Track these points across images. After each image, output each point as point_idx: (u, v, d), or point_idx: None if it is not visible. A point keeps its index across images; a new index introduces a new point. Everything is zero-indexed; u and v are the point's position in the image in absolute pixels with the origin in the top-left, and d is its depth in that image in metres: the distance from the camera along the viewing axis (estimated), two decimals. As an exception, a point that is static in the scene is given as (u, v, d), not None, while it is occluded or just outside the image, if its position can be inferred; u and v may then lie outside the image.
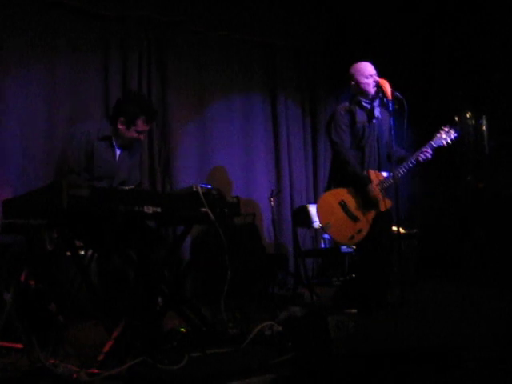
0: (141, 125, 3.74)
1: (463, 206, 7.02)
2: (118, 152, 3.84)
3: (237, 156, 6.15)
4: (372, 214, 4.07)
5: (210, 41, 6.10)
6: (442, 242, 6.75)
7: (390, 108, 4.01)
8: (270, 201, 5.67)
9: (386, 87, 4.03)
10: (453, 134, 4.23)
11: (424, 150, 4.13)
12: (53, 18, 5.23)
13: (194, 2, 5.88)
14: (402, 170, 4.10)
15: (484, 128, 6.92)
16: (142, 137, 3.83)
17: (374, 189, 4.07)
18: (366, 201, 4.09)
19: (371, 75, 4.17)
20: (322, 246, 6.23)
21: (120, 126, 3.74)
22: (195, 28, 5.98)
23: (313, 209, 5.26)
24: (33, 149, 5.05)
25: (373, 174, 4.13)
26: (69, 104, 5.26)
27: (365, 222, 4.05)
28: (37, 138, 5.08)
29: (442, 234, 6.88)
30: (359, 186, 4.10)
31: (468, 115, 7.07)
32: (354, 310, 3.83)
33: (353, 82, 4.23)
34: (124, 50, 5.54)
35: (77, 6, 5.30)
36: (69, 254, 3.59)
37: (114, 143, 3.80)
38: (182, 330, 3.29)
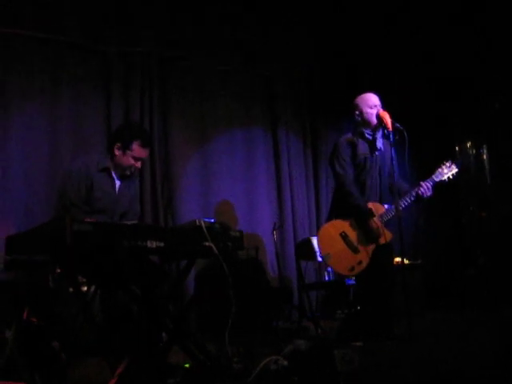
0: (137, 149, 3.75)
1: (467, 236, 7.02)
2: (117, 183, 3.85)
3: (239, 189, 6.16)
4: (372, 246, 4.07)
5: (211, 75, 6.17)
6: (446, 272, 6.72)
7: (391, 139, 4.04)
8: (273, 234, 5.66)
9: (387, 118, 4.07)
10: (454, 169, 4.25)
11: (425, 184, 4.14)
12: (55, 54, 5.30)
13: (194, 37, 5.96)
14: (403, 203, 4.11)
15: (485, 157, 6.95)
16: (138, 164, 3.82)
17: (376, 222, 4.07)
18: (367, 233, 4.09)
19: (375, 105, 4.21)
20: (326, 278, 6.19)
21: (116, 153, 3.76)
22: (195, 62, 6.05)
23: (316, 241, 5.24)
24: (36, 185, 5.06)
25: (372, 206, 4.13)
26: (71, 140, 5.28)
27: (365, 254, 4.05)
28: (40, 174, 5.10)
29: (446, 263, 6.85)
30: (361, 219, 4.10)
31: (468, 145, 7.11)
32: (359, 343, 3.79)
33: (357, 112, 4.28)
34: (125, 84, 5.60)
35: (78, 43, 5.38)
36: (71, 289, 3.56)
37: (113, 174, 3.82)
38: (187, 365, 3.25)
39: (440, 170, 4.24)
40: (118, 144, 3.76)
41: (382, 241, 4.08)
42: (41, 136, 5.17)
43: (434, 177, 4.21)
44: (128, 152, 3.74)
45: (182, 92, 5.97)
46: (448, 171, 4.24)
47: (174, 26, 5.85)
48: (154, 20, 5.75)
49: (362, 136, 4.23)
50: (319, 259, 5.36)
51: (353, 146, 4.20)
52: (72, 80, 5.37)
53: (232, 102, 6.30)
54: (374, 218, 4.07)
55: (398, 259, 4.71)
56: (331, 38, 6.68)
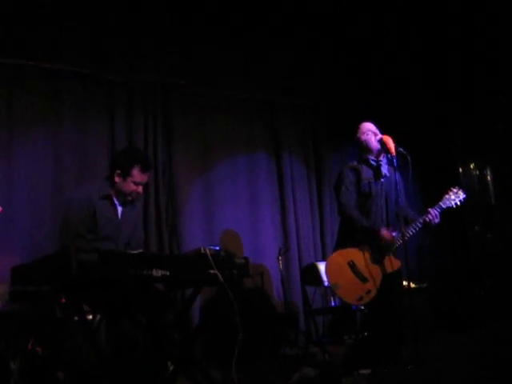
0: (137, 175, 3.72)
1: (473, 257, 6.98)
2: (119, 210, 3.82)
3: (243, 215, 6.14)
4: (380, 275, 4.04)
5: (214, 101, 6.20)
6: (453, 293, 6.67)
7: (395, 163, 4.05)
8: (278, 259, 5.64)
9: (390, 143, 4.08)
10: (461, 195, 4.23)
11: (432, 211, 4.13)
12: (59, 82, 5.34)
13: (197, 64, 6.01)
14: (410, 231, 4.08)
15: (488, 178, 6.94)
16: (139, 189, 3.78)
17: (386, 234, 4.05)
18: (381, 250, 4.06)
19: (369, 130, 4.25)
20: (333, 303, 6.15)
21: (117, 180, 3.73)
22: (198, 89, 6.10)
23: (322, 266, 5.22)
24: (41, 215, 5.05)
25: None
26: (75, 168, 5.29)
27: (373, 283, 4.02)
28: (44, 203, 5.10)
29: (453, 285, 6.81)
30: (371, 238, 4.08)
31: (472, 166, 7.11)
32: (367, 370, 3.74)
33: (357, 141, 4.32)
34: (129, 112, 5.63)
35: (82, 72, 5.43)
36: (77, 319, 3.54)
37: (115, 201, 3.80)
38: (193, 395, 3.22)
39: (447, 196, 4.21)
40: (118, 171, 3.73)
41: (388, 269, 4.06)
42: (45, 165, 5.19)
43: (441, 203, 4.18)
44: (128, 178, 3.71)
45: (185, 118, 5.99)
46: (455, 197, 4.21)
47: (177, 53, 5.90)
48: (158, 48, 5.80)
49: (367, 162, 4.24)
50: (325, 284, 5.33)
51: (357, 172, 4.21)
52: (76, 108, 5.40)
53: (235, 127, 6.32)
54: (383, 230, 4.06)
55: (404, 283, 4.68)
56: (335, 61, 6.72)
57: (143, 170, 3.75)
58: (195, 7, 5.87)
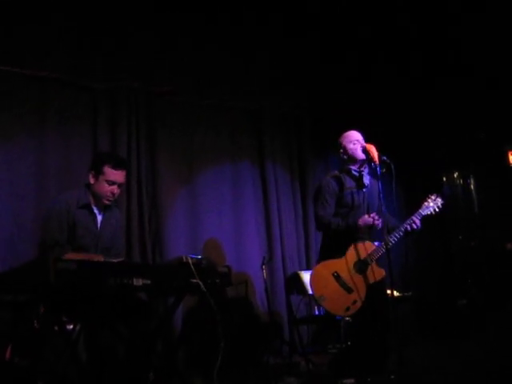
0: (108, 172, 3.74)
1: (457, 266, 7.01)
2: (98, 219, 3.82)
3: (227, 223, 6.10)
4: (364, 285, 4.04)
5: (198, 109, 6.16)
6: (438, 303, 6.69)
7: (378, 172, 4.05)
8: (262, 268, 5.61)
9: (373, 151, 4.09)
10: (440, 202, 4.31)
11: (412, 219, 4.16)
12: (41, 90, 5.28)
13: (181, 72, 5.98)
14: (392, 240, 4.10)
15: (472, 187, 6.99)
16: (115, 190, 3.78)
17: (364, 220, 4.05)
18: (362, 264, 4.05)
19: (357, 140, 4.25)
20: (316, 312, 6.12)
21: (92, 181, 3.77)
22: (182, 97, 6.06)
23: (305, 275, 5.20)
24: (23, 224, 4.97)
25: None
26: (58, 176, 5.22)
27: (359, 293, 4.01)
28: (27, 212, 5.01)
29: (437, 294, 6.83)
30: (352, 233, 4.08)
31: (455, 175, 7.16)
32: (351, 380, 3.73)
33: (341, 150, 4.31)
34: (112, 120, 5.56)
35: (64, 79, 5.37)
36: (56, 328, 3.50)
37: (94, 210, 3.79)
38: (175, 405, 3.18)
39: (426, 203, 4.29)
40: (92, 172, 3.78)
41: (371, 279, 4.05)
42: (27, 173, 5.11)
43: (420, 211, 4.24)
44: (101, 177, 3.74)
45: (168, 127, 5.94)
46: (434, 204, 4.29)
47: (160, 61, 5.86)
48: (141, 56, 5.76)
49: (349, 173, 4.25)
50: (309, 293, 5.31)
51: (339, 181, 4.22)
52: (58, 117, 5.33)
53: (219, 136, 6.27)
54: (360, 220, 4.07)
55: (387, 291, 4.68)
56: (320, 77, 6.74)
57: (114, 167, 3.76)
58: (181, 15, 5.85)
